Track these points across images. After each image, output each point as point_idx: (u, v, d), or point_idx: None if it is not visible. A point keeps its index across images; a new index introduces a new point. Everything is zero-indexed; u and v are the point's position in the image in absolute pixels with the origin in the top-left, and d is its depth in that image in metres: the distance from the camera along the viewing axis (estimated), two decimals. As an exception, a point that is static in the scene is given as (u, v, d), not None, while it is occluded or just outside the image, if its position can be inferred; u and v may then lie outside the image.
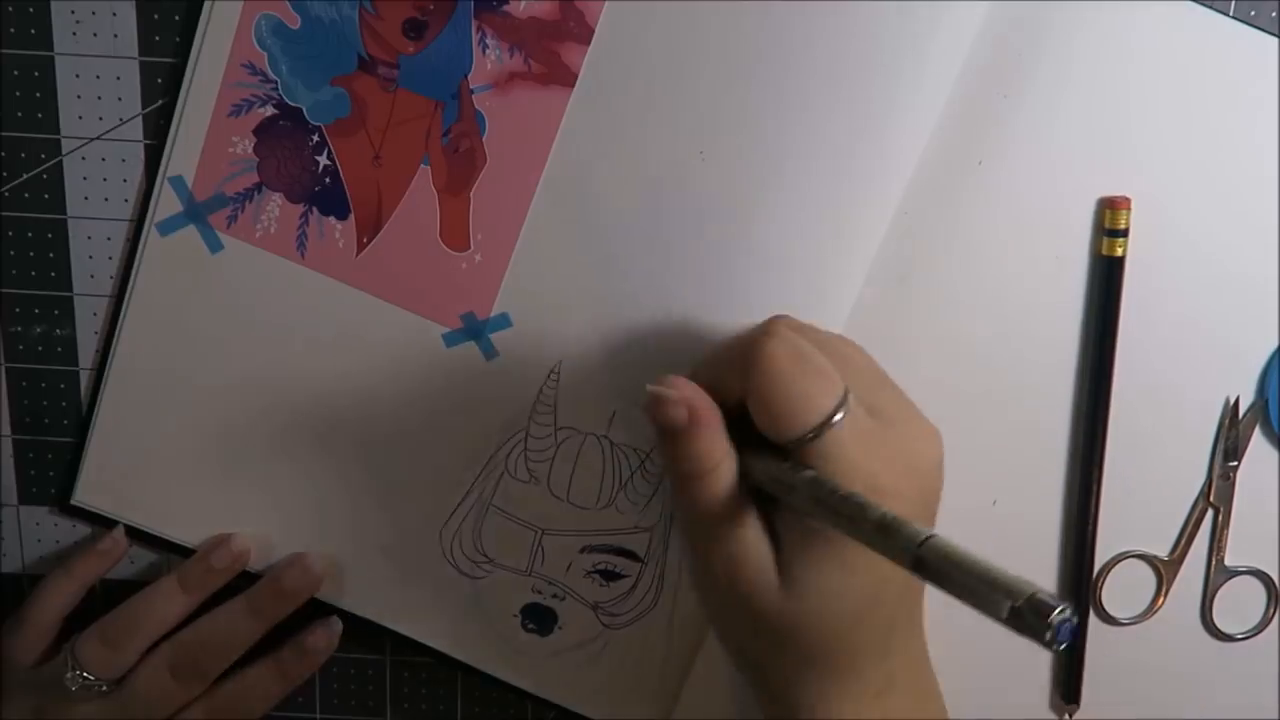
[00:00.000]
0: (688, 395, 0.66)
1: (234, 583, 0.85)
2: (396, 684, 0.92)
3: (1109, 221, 0.77)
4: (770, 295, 0.78)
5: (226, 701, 0.85)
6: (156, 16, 0.78)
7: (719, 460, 0.66)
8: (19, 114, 0.80)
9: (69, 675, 0.81)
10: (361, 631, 0.87)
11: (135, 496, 0.86)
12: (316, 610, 0.86)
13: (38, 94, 0.80)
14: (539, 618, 0.87)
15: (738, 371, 0.67)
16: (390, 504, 0.85)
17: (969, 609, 0.84)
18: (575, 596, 0.86)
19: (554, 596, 0.86)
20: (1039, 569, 0.84)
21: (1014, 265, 0.79)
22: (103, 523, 0.87)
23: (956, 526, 0.81)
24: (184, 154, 0.79)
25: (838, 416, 0.64)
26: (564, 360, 0.81)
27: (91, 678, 0.82)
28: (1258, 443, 0.81)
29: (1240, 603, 0.84)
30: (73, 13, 0.78)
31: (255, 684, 0.85)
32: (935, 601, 0.83)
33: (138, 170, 0.81)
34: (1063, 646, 0.53)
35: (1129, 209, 0.77)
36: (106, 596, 0.87)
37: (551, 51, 0.76)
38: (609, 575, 0.85)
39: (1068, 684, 0.85)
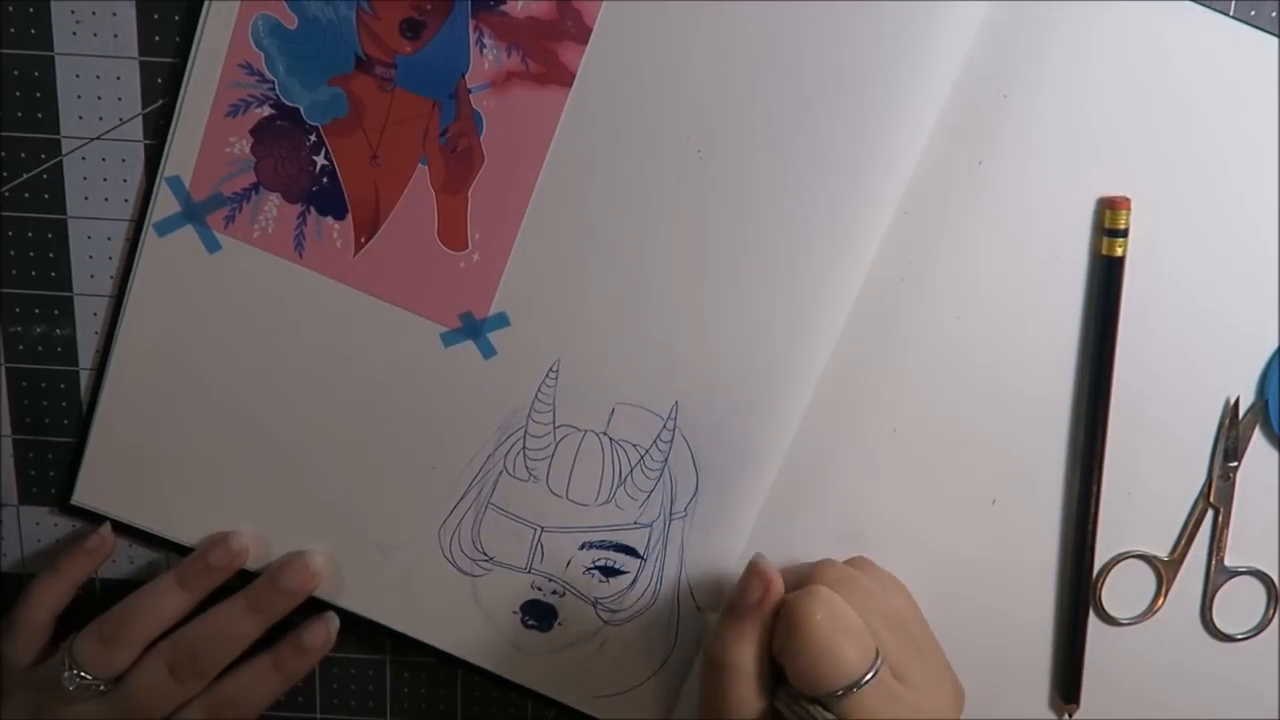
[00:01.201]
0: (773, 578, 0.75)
1: (232, 581, 0.85)
2: (396, 684, 0.92)
3: (1109, 221, 0.77)
4: (769, 295, 0.78)
5: (225, 700, 0.84)
6: (156, 16, 0.78)
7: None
8: (19, 114, 0.80)
9: (66, 675, 0.81)
10: (361, 631, 0.87)
11: (135, 496, 0.86)
12: (315, 609, 0.86)
13: (38, 94, 0.80)
14: (539, 614, 0.87)
15: (780, 627, 0.74)
16: (389, 503, 0.85)
17: (965, 607, 0.84)
18: (575, 593, 0.86)
19: (554, 593, 0.86)
20: (1039, 569, 0.84)
21: (1014, 265, 0.79)
22: (102, 523, 0.86)
23: (957, 527, 0.82)
24: (181, 154, 0.79)
25: (867, 678, 0.71)
26: (562, 358, 0.81)
27: (89, 677, 0.81)
28: (1258, 443, 0.81)
29: (1240, 603, 0.84)
30: (73, 13, 0.78)
31: (253, 682, 0.85)
32: (935, 603, 0.83)
33: (138, 170, 0.81)
34: None
35: (1129, 209, 0.76)
36: (106, 596, 0.87)
37: (549, 51, 0.76)
38: (608, 571, 0.85)
39: (1067, 684, 0.85)
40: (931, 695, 0.75)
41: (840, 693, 0.71)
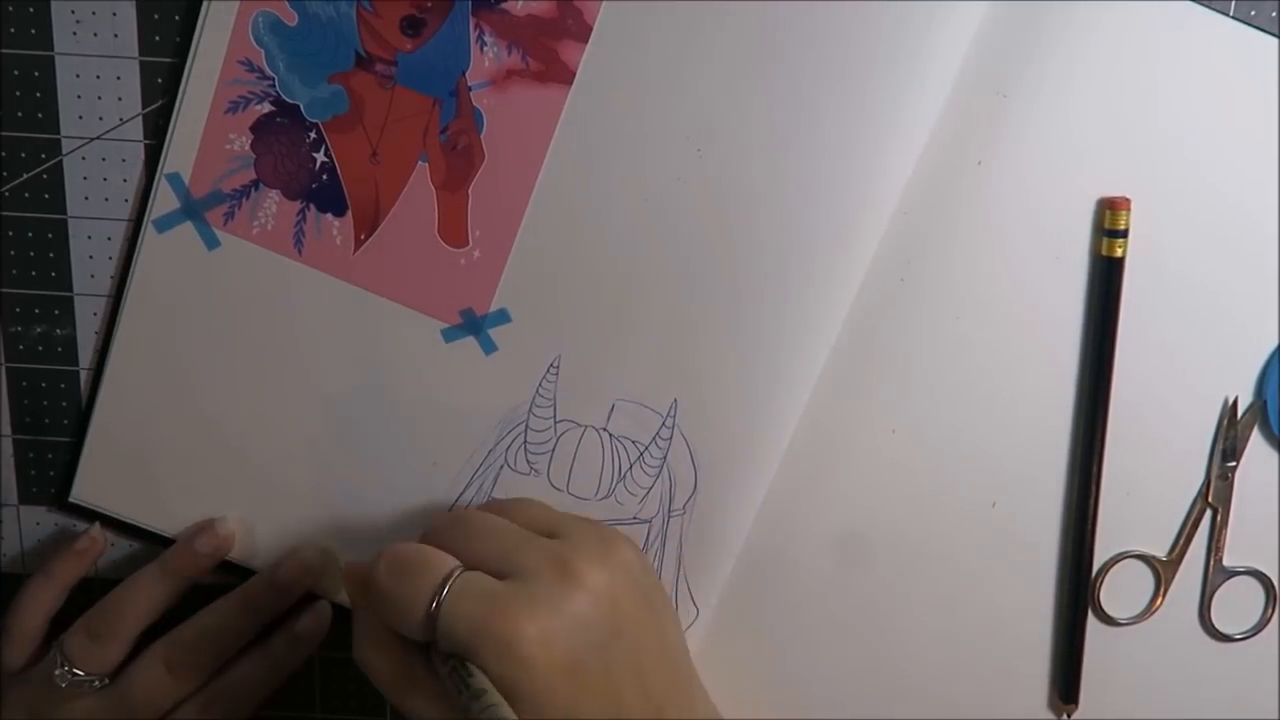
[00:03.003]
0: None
1: (230, 580, 0.85)
2: (396, 684, 0.92)
3: (1109, 222, 0.77)
4: (767, 294, 0.78)
5: (221, 694, 0.84)
6: (156, 16, 0.78)
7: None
8: (19, 114, 0.80)
9: (58, 672, 0.81)
10: (361, 630, 0.87)
11: (133, 493, 0.86)
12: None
13: (38, 94, 0.80)
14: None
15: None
16: (389, 499, 0.85)
17: (964, 608, 0.84)
18: (575, 586, 0.86)
19: (554, 587, 0.86)
20: (1038, 569, 0.84)
21: (1014, 265, 0.79)
22: (101, 521, 0.87)
23: (957, 528, 0.82)
24: (181, 151, 0.79)
25: (444, 593, 0.68)
26: (562, 355, 0.81)
27: (81, 673, 0.81)
28: (1256, 443, 0.81)
29: (1238, 603, 0.84)
30: (73, 13, 0.79)
31: (248, 675, 0.85)
32: (935, 603, 0.83)
33: (138, 170, 0.81)
34: None
35: (1129, 209, 0.77)
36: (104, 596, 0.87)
37: (549, 49, 0.76)
38: (608, 566, 0.85)
39: (1066, 684, 0.85)
40: (544, 574, 0.69)
41: (429, 615, 0.68)
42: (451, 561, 0.70)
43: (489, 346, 0.81)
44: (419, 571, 0.69)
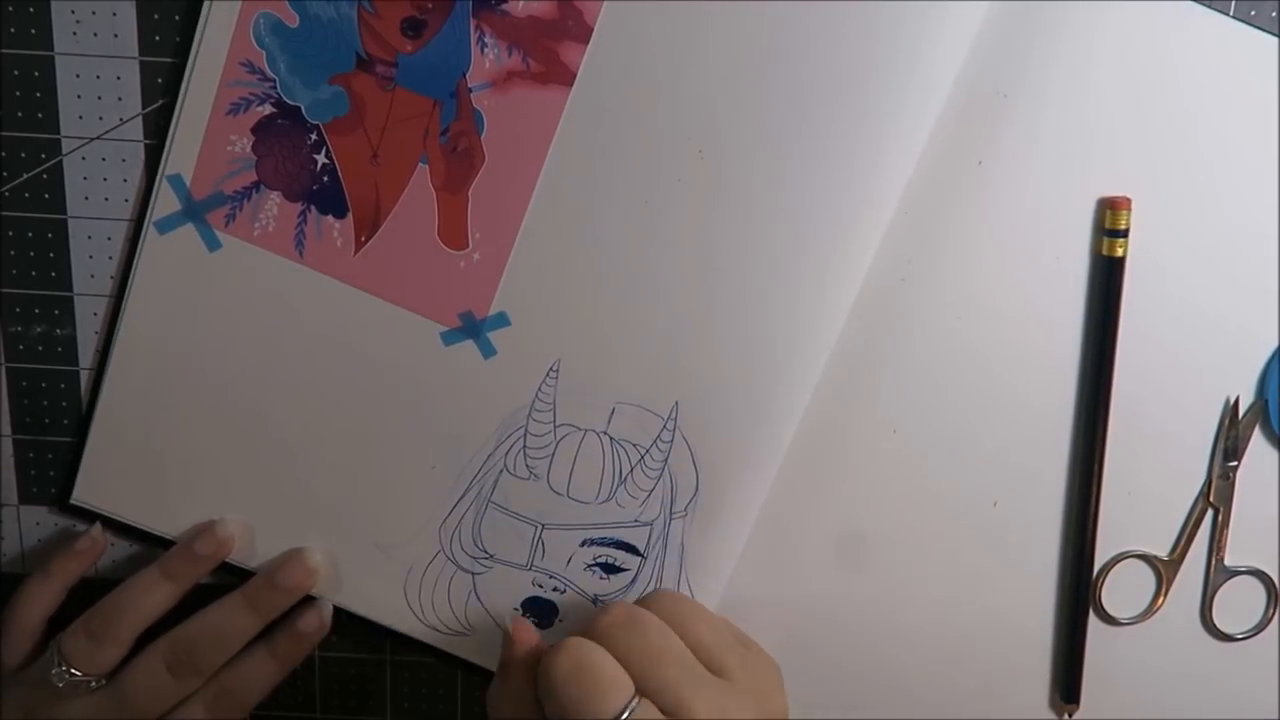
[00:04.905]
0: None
1: (230, 580, 0.85)
2: (396, 684, 0.92)
3: (1109, 222, 0.77)
4: (770, 295, 0.78)
5: (223, 691, 0.84)
6: (156, 16, 0.78)
7: None
8: (19, 114, 0.80)
9: (55, 672, 0.81)
10: (361, 631, 0.87)
11: (135, 495, 0.86)
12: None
13: (38, 94, 0.80)
14: (540, 610, 0.87)
15: (538, 684, 0.74)
16: (389, 502, 0.85)
17: (965, 608, 0.84)
18: (576, 590, 0.86)
19: (555, 590, 0.86)
20: (1039, 569, 0.84)
21: (1014, 265, 0.79)
22: (101, 522, 0.86)
23: (958, 527, 0.82)
24: (182, 152, 0.79)
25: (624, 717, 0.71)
26: (562, 358, 0.81)
27: (79, 674, 0.81)
28: (1257, 443, 0.81)
29: (1240, 603, 0.84)
30: (73, 13, 0.78)
31: (250, 673, 0.84)
32: (936, 603, 0.83)
33: (138, 170, 0.81)
34: None
35: (1129, 209, 0.76)
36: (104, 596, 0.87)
37: (550, 51, 0.76)
38: (609, 568, 0.85)
39: (1067, 684, 0.85)
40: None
41: None
42: (630, 688, 0.72)
43: (488, 350, 0.81)
44: (602, 690, 0.72)
